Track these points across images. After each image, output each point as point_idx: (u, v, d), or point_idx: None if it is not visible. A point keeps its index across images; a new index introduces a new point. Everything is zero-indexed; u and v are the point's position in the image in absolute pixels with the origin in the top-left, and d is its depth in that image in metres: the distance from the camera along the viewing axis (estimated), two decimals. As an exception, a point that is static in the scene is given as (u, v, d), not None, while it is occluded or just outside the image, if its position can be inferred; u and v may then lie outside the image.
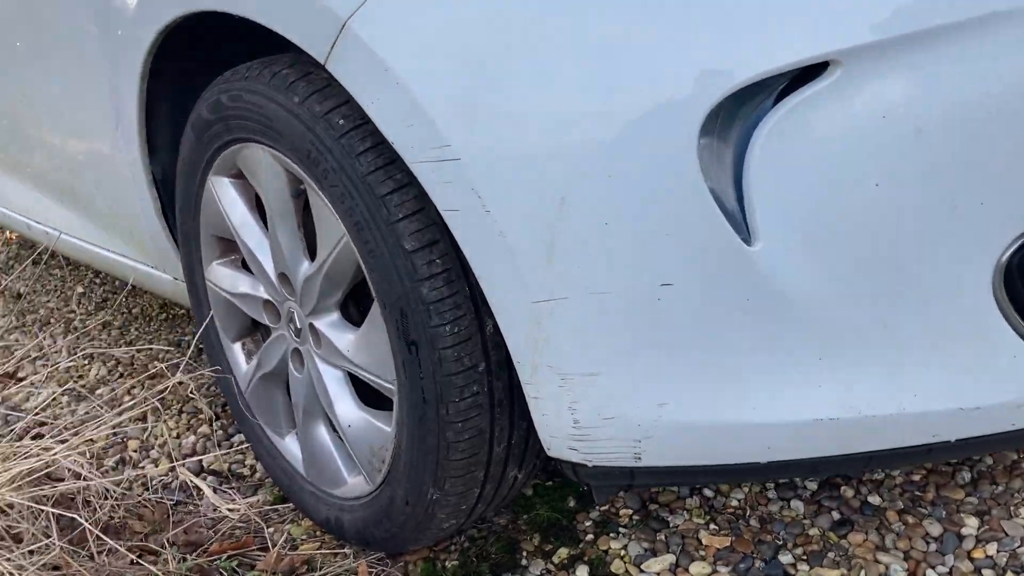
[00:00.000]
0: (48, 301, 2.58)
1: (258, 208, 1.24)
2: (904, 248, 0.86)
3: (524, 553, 1.23)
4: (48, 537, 1.12)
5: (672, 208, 0.85)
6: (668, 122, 0.83)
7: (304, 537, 1.33)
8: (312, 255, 1.15)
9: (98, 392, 1.94)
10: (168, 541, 1.30)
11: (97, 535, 1.23)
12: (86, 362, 2.10)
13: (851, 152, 0.83)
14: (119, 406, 1.85)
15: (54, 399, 1.91)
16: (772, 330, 0.89)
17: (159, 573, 1.18)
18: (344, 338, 1.15)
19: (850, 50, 0.80)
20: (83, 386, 1.97)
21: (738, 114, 0.84)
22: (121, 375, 2.02)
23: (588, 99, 0.84)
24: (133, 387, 1.94)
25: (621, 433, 0.94)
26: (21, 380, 2.04)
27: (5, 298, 2.64)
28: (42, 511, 1.09)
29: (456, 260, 0.97)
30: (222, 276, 1.35)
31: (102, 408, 1.83)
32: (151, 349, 2.14)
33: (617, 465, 0.97)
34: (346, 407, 1.19)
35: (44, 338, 2.29)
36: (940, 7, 0.80)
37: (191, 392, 1.85)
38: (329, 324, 1.17)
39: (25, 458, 1.06)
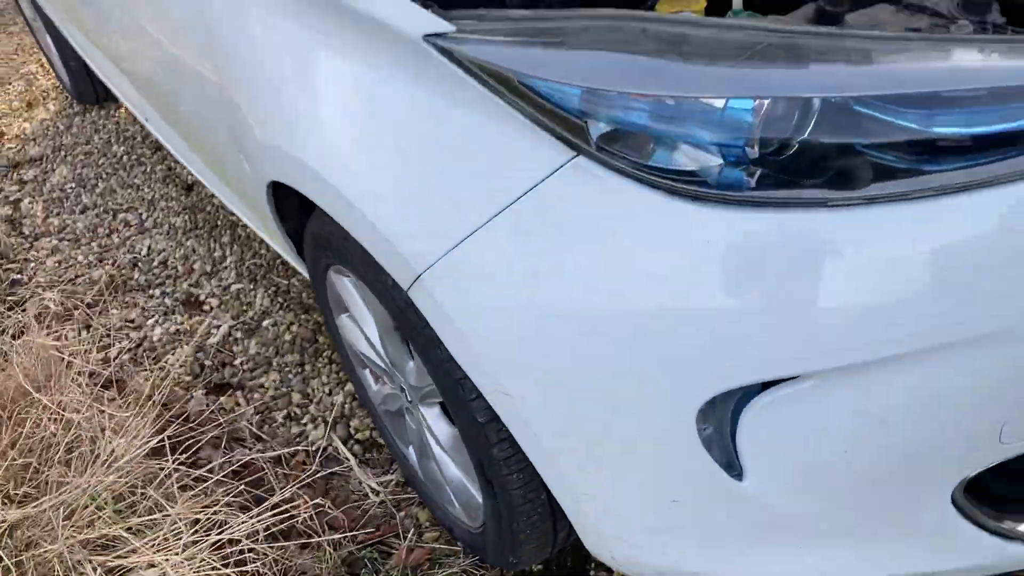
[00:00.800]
0: (213, 196, 2.93)
1: (371, 303, 1.49)
2: (873, 486, 1.06)
3: (592, 565, 1.58)
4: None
5: (677, 460, 1.07)
6: (674, 407, 1.02)
7: (427, 524, 1.72)
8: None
9: (264, 325, 2.33)
10: (327, 525, 1.72)
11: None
12: (251, 286, 2.48)
13: (824, 431, 1.01)
14: (282, 345, 2.25)
15: (230, 335, 2.32)
16: (760, 529, 1.12)
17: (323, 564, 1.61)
18: (443, 430, 1.44)
19: (818, 372, 0.96)
20: (252, 317, 2.37)
21: (731, 394, 1.02)
22: (281, 305, 2.39)
23: (614, 382, 1.04)
24: (292, 323, 2.32)
25: (646, 569, 1.23)
26: (202, 305, 2.46)
27: (178, 188, 3.02)
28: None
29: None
30: (348, 329, 1.64)
31: (268, 349, 2.24)
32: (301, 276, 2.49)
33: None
34: (449, 470, 1.51)
35: (215, 248, 2.67)
36: (893, 340, 0.94)
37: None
38: (431, 415, 1.46)
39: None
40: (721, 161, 0.95)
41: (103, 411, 1.61)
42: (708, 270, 0.95)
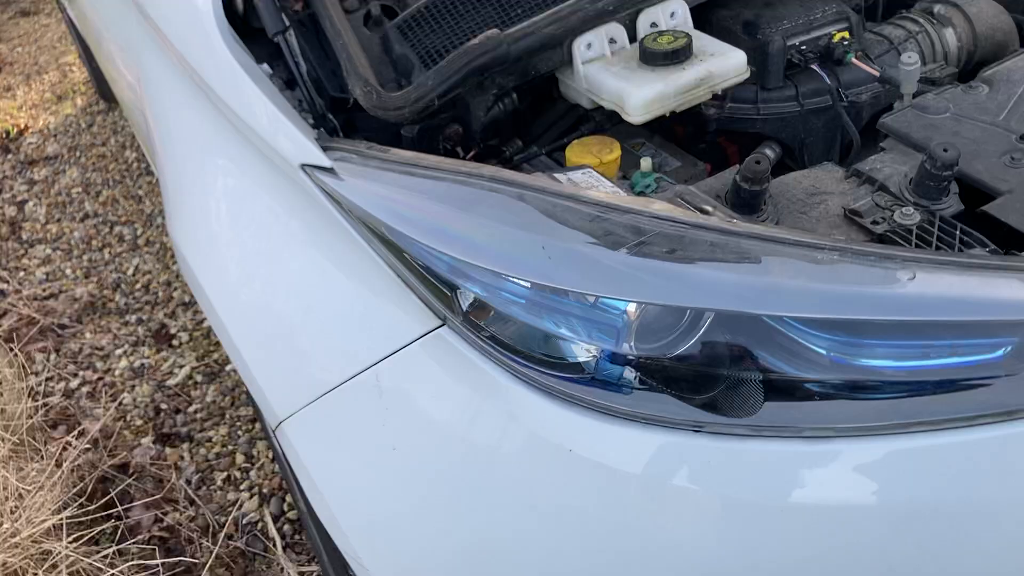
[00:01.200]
0: (210, 217, 2.88)
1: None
2: None
3: None
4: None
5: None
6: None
7: (340, 626, 1.62)
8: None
9: (227, 370, 2.26)
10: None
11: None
12: (224, 324, 2.41)
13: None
14: (239, 395, 2.17)
15: (191, 378, 2.25)
16: None
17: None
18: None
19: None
20: (216, 360, 2.29)
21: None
22: (248, 349, 2.31)
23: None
24: (254, 372, 2.23)
25: None
26: (172, 339, 2.39)
27: (177, 205, 2.97)
28: None
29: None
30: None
31: (225, 399, 2.16)
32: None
33: None
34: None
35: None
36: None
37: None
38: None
39: None
40: (596, 356, 0.83)
41: (11, 478, 1.55)
42: (556, 485, 0.83)
